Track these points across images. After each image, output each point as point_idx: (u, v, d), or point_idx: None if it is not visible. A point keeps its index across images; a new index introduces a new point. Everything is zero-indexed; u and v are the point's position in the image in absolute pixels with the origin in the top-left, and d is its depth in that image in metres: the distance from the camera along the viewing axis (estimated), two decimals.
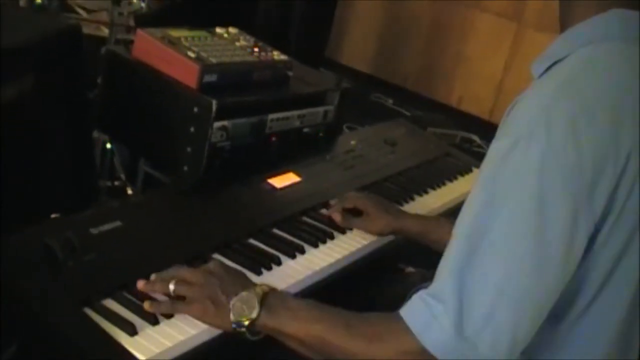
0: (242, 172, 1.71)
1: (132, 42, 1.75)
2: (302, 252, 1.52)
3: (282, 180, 1.75)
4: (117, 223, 1.39)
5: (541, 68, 1.17)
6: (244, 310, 1.18)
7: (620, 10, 1.14)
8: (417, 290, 1.51)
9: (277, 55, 1.87)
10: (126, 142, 1.99)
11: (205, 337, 1.23)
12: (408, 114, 4.62)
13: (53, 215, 1.45)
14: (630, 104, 1.07)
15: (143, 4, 3.04)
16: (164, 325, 1.21)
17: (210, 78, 1.64)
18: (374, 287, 1.74)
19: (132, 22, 3.03)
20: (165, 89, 1.66)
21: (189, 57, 1.63)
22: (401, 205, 1.87)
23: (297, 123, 1.88)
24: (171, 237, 1.44)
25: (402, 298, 1.52)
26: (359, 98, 4.54)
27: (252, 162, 1.75)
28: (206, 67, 1.62)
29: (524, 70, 1.20)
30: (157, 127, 1.72)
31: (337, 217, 1.64)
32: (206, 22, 1.87)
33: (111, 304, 1.23)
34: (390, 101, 5.07)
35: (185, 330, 1.21)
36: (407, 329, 1.05)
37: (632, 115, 1.06)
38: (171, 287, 1.24)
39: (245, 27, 1.97)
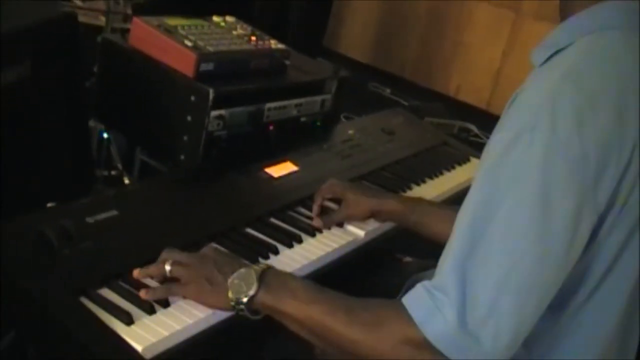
0: (239, 161, 1.71)
1: (128, 30, 1.75)
2: (300, 241, 1.52)
3: (280, 170, 1.75)
4: (114, 212, 1.39)
5: (542, 57, 1.16)
6: (242, 287, 1.17)
7: (620, 1, 1.14)
8: (414, 280, 1.52)
9: (274, 44, 1.87)
10: (123, 130, 1.99)
11: (202, 326, 1.22)
12: (406, 103, 4.60)
13: (49, 204, 1.44)
14: (633, 93, 1.07)
15: None
16: (161, 315, 1.20)
17: (207, 67, 1.64)
18: (371, 276, 1.74)
19: (129, 11, 3.02)
20: (162, 77, 1.66)
21: (186, 46, 1.63)
22: (398, 194, 1.87)
23: (294, 112, 1.88)
24: (168, 226, 1.43)
25: (399, 287, 1.53)
26: (357, 87, 4.53)
27: (249, 151, 1.74)
28: (203, 56, 1.62)
29: (522, 59, 1.20)
30: (154, 115, 1.72)
31: (318, 224, 1.59)
32: (203, 11, 1.87)
33: (107, 293, 1.23)
34: (388, 91, 5.05)
35: (182, 319, 1.21)
36: (409, 318, 1.05)
37: (636, 105, 1.06)
38: (167, 267, 1.24)
39: (242, 16, 1.97)
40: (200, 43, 1.66)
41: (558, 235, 1.02)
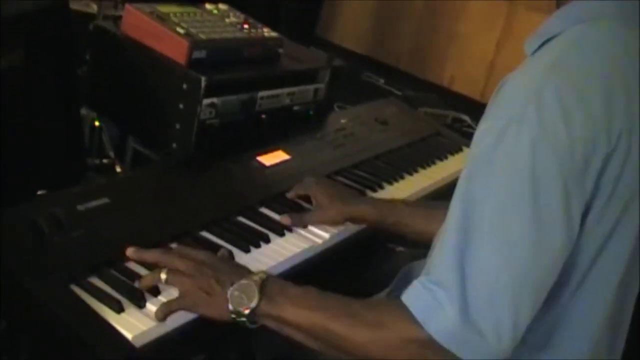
0: (231, 149, 1.70)
1: (120, 17, 1.74)
2: (291, 230, 1.52)
3: (272, 158, 1.74)
4: (105, 200, 1.38)
5: (534, 45, 1.16)
6: (242, 299, 1.15)
7: None
8: (407, 269, 1.52)
9: (267, 32, 1.86)
10: (115, 119, 1.98)
11: (193, 315, 1.22)
12: (399, 93, 4.59)
13: (40, 192, 1.43)
14: (621, 84, 1.06)
15: None
16: (151, 304, 1.20)
17: (200, 54, 1.63)
18: (364, 266, 1.74)
19: None
20: (154, 65, 1.65)
21: (178, 33, 1.62)
22: (391, 184, 1.87)
23: (287, 101, 1.87)
24: (159, 214, 1.43)
25: (391, 276, 1.53)
26: (350, 77, 4.52)
27: (241, 139, 1.74)
28: (195, 43, 1.61)
29: (516, 50, 1.19)
30: (146, 103, 1.71)
31: (286, 221, 1.54)
32: None
33: (98, 281, 1.22)
34: (382, 81, 5.04)
35: None
36: (411, 316, 1.04)
37: (624, 95, 1.06)
38: (163, 277, 1.21)
39: (235, 4, 1.96)
40: (193, 30, 1.65)
41: (549, 225, 1.02)
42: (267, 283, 1.17)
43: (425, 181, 1.95)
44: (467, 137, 2.47)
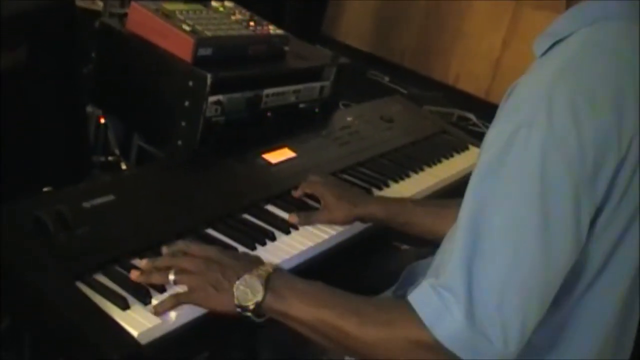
0: (236, 147, 1.70)
1: (126, 15, 1.73)
2: (297, 227, 1.51)
3: (277, 156, 1.74)
4: (110, 197, 1.38)
5: (543, 46, 1.15)
6: (248, 294, 1.16)
7: None
8: (412, 267, 1.52)
9: (273, 29, 1.86)
10: (120, 116, 1.98)
11: (198, 312, 1.22)
12: (404, 91, 4.60)
13: (45, 189, 1.43)
14: (632, 86, 1.05)
15: None
16: (156, 300, 1.20)
17: (205, 52, 1.62)
18: (369, 264, 1.74)
19: None
20: (159, 62, 1.65)
21: (184, 30, 1.62)
22: (396, 182, 1.86)
23: (292, 98, 1.87)
24: (164, 211, 1.43)
25: (396, 275, 1.53)
26: (355, 75, 4.52)
27: (246, 137, 1.74)
28: (201, 41, 1.61)
29: (522, 48, 1.19)
30: (151, 101, 1.71)
31: (294, 219, 1.53)
32: None
33: (103, 278, 1.22)
34: (387, 79, 5.05)
35: None
36: (418, 319, 1.04)
37: (635, 98, 1.05)
38: (171, 277, 1.21)
39: (241, 1, 1.96)
40: (199, 28, 1.64)
41: (559, 229, 1.02)
42: (272, 277, 1.17)
43: (431, 179, 1.94)
44: (472, 135, 2.47)
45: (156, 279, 1.22)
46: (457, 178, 1.99)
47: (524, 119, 1.03)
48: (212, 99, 1.59)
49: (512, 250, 1.02)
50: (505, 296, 1.00)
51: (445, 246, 1.13)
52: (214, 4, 1.85)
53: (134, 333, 1.12)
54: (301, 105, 1.91)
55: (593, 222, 1.06)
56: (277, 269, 1.21)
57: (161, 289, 1.22)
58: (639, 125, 1.04)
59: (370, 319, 1.10)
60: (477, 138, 2.18)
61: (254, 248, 1.41)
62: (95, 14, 2.93)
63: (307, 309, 1.14)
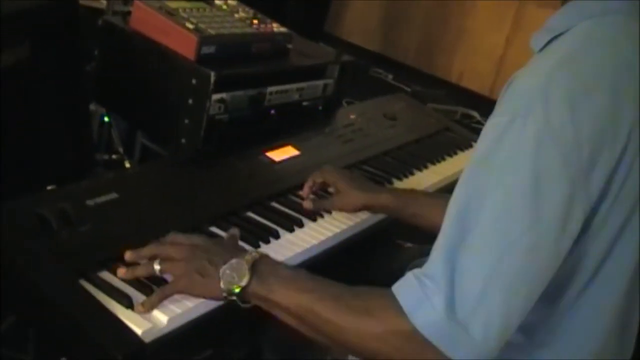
0: (240, 145, 1.70)
1: (129, 13, 1.73)
2: (301, 225, 1.51)
3: (281, 154, 1.74)
4: (113, 195, 1.38)
5: (541, 42, 1.14)
6: (234, 278, 1.15)
7: None
8: (415, 265, 1.52)
9: (276, 27, 1.86)
10: (123, 114, 1.98)
11: (202, 310, 1.22)
12: (408, 89, 4.60)
13: (49, 187, 1.44)
14: (630, 80, 1.05)
15: None
16: None
17: (209, 49, 1.62)
18: (372, 262, 1.74)
19: None
20: (163, 60, 1.65)
21: (187, 28, 1.62)
22: (400, 179, 1.86)
23: (296, 96, 1.87)
24: (168, 209, 1.43)
25: (399, 273, 1.52)
26: (359, 73, 4.52)
27: (250, 135, 1.73)
28: (204, 39, 1.61)
29: (525, 46, 1.18)
30: (155, 99, 1.71)
31: (308, 205, 1.57)
32: None
33: (107, 276, 1.22)
34: (390, 76, 5.05)
35: (183, 302, 1.20)
36: (398, 307, 1.03)
37: (633, 92, 1.04)
38: (156, 267, 1.20)
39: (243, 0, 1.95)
40: (202, 26, 1.64)
41: (549, 226, 1.01)
42: (258, 263, 1.17)
43: (434, 177, 1.94)
44: (476, 133, 2.45)
45: (141, 271, 1.22)
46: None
47: (520, 111, 1.02)
48: (215, 96, 1.59)
49: (499, 244, 1.00)
50: (488, 290, 0.99)
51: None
52: (217, 2, 1.84)
53: (138, 331, 1.12)
54: (304, 103, 1.91)
55: (589, 220, 1.05)
56: (263, 255, 1.20)
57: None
58: (636, 119, 1.03)
59: (348, 305, 1.10)
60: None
61: (257, 246, 1.40)
62: (99, 11, 2.92)
63: (288, 294, 1.14)
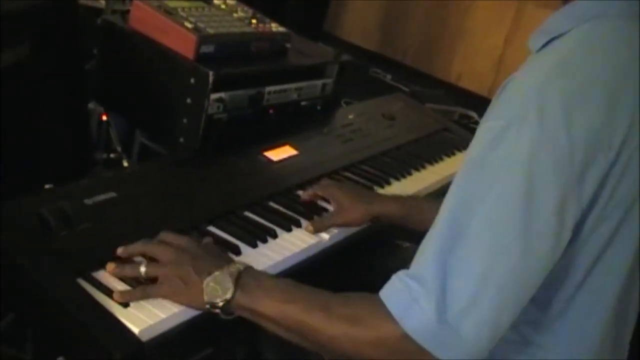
0: (238, 144, 1.70)
1: (128, 12, 1.73)
2: (298, 225, 1.51)
3: (279, 153, 1.74)
4: (112, 194, 1.38)
5: (539, 43, 1.14)
6: (217, 291, 1.15)
7: None
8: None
9: (275, 26, 1.86)
10: (122, 113, 1.98)
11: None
12: (407, 89, 4.59)
13: (47, 186, 1.44)
14: (626, 87, 1.04)
15: None
16: None
17: (208, 49, 1.62)
18: (370, 262, 1.73)
19: None
20: (161, 59, 1.65)
21: (186, 28, 1.62)
22: (398, 179, 1.86)
23: (294, 96, 1.87)
24: (166, 208, 1.43)
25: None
26: (357, 73, 4.51)
27: (248, 134, 1.74)
28: (203, 38, 1.61)
29: (524, 46, 1.18)
30: (154, 98, 1.71)
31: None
32: None
33: (105, 275, 1.22)
34: (389, 77, 5.04)
35: None
36: (387, 313, 1.03)
37: (629, 99, 1.04)
38: (142, 269, 1.20)
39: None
40: (201, 25, 1.64)
41: (541, 231, 1.01)
42: (243, 274, 1.17)
43: (432, 177, 1.94)
44: (474, 133, 2.46)
45: (128, 271, 1.22)
46: None
47: (515, 116, 1.02)
48: (214, 96, 1.59)
49: (490, 248, 1.00)
50: (480, 293, 0.99)
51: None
52: (216, 1, 1.85)
53: (135, 330, 1.12)
54: (303, 103, 1.91)
55: (580, 225, 1.05)
56: (247, 267, 1.20)
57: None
58: (631, 126, 1.02)
59: (337, 314, 1.09)
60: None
61: (255, 245, 1.41)
62: (98, 11, 2.92)
63: (274, 305, 1.13)
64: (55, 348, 1.26)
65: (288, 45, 1.88)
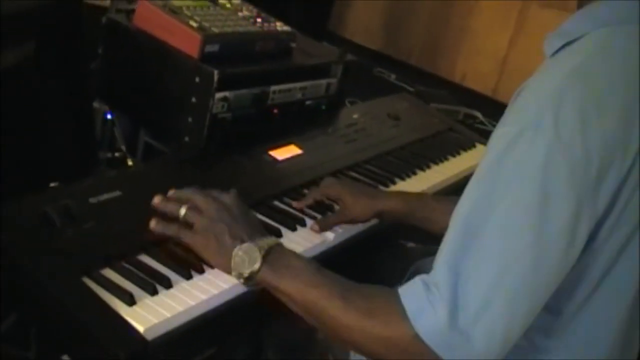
0: (243, 143, 1.70)
1: (133, 11, 1.73)
2: (303, 224, 1.51)
3: (284, 153, 1.74)
4: (117, 192, 1.38)
5: (553, 47, 1.12)
6: (245, 262, 1.18)
7: None
8: (418, 265, 1.52)
9: (280, 26, 1.86)
10: (127, 112, 1.98)
11: (204, 308, 1.22)
12: (411, 89, 4.58)
13: (52, 185, 1.44)
14: None
15: None
16: (163, 296, 1.20)
17: (212, 48, 1.62)
18: (375, 262, 1.73)
19: None
20: (166, 58, 1.65)
21: (191, 27, 1.62)
22: (403, 179, 1.86)
23: (299, 95, 1.87)
24: None
25: (402, 273, 1.53)
26: (362, 73, 4.51)
27: (253, 133, 1.74)
28: (208, 37, 1.61)
29: (529, 47, 1.17)
30: (158, 97, 1.71)
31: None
32: None
33: (110, 273, 1.22)
34: (393, 76, 5.03)
35: (185, 301, 1.20)
36: (402, 310, 1.03)
37: None
38: (182, 211, 1.25)
39: None
40: (206, 24, 1.64)
41: (554, 238, 1.00)
42: (272, 250, 1.20)
43: (437, 177, 1.94)
44: (479, 133, 2.46)
45: (170, 207, 1.27)
46: (464, 176, 1.98)
47: (530, 122, 1.01)
48: (218, 95, 1.59)
49: (503, 254, 1.00)
50: (491, 300, 0.99)
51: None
52: (221, 0, 1.84)
53: (140, 329, 1.12)
54: (308, 102, 1.91)
55: (594, 234, 1.04)
56: (278, 244, 1.23)
57: (167, 284, 1.22)
58: None
59: (354, 304, 1.10)
60: (484, 136, 2.18)
61: None
62: (103, 10, 2.92)
63: (297, 286, 1.16)
64: (60, 347, 1.26)
65: (293, 45, 1.88)
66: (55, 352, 1.30)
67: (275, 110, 1.79)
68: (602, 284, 1.09)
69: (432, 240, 1.57)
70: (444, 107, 4.03)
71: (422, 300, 1.02)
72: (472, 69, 5.06)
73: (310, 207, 1.58)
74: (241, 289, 1.27)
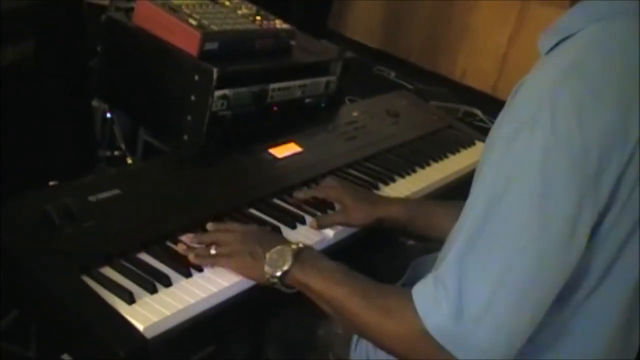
0: (242, 141, 1.70)
1: (132, 9, 1.73)
2: (303, 222, 1.51)
3: (283, 150, 1.74)
4: (116, 191, 1.38)
5: (549, 44, 1.13)
6: (278, 262, 1.24)
7: None
8: (417, 262, 1.52)
9: (279, 23, 1.85)
10: (126, 110, 1.98)
11: (204, 306, 1.22)
12: (411, 87, 4.58)
13: (51, 183, 1.44)
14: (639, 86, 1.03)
15: None
16: (163, 294, 1.20)
17: (212, 46, 1.62)
18: (374, 260, 1.73)
19: None
20: (165, 56, 1.65)
21: (190, 25, 1.62)
22: (403, 177, 1.86)
23: (298, 93, 1.86)
24: (170, 205, 1.43)
25: (402, 270, 1.52)
26: (361, 71, 4.51)
27: (253, 131, 1.73)
28: (207, 35, 1.61)
29: (528, 44, 1.17)
30: (158, 95, 1.71)
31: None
32: None
33: (109, 271, 1.22)
34: (393, 74, 5.04)
35: (184, 299, 1.20)
36: (415, 309, 1.05)
37: None
38: (213, 252, 1.30)
39: None
40: (205, 22, 1.64)
41: (558, 234, 1.00)
42: (302, 252, 1.26)
43: (437, 175, 1.94)
44: (478, 130, 2.46)
45: (199, 252, 1.31)
46: (464, 173, 1.99)
47: (527, 118, 1.01)
48: (218, 93, 1.59)
49: (507, 252, 1.00)
50: (495, 297, 1.00)
51: (450, 238, 1.13)
52: None
53: (140, 327, 1.12)
54: (307, 100, 1.91)
55: (596, 227, 1.04)
56: (308, 247, 1.30)
57: (167, 282, 1.22)
58: None
59: (373, 303, 1.14)
60: (484, 133, 2.17)
61: None
62: (102, 8, 2.92)
63: (324, 285, 1.20)
64: (60, 345, 1.26)
65: (292, 43, 1.87)
66: (55, 351, 1.30)
67: (275, 108, 1.79)
68: (605, 278, 1.09)
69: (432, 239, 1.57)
70: (444, 105, 4.03)
71: (431, 297, 1.04)
72: (472, 67, 5.06)
73: (310, 204, 1.58)
74: (240, 287, 1.28)
